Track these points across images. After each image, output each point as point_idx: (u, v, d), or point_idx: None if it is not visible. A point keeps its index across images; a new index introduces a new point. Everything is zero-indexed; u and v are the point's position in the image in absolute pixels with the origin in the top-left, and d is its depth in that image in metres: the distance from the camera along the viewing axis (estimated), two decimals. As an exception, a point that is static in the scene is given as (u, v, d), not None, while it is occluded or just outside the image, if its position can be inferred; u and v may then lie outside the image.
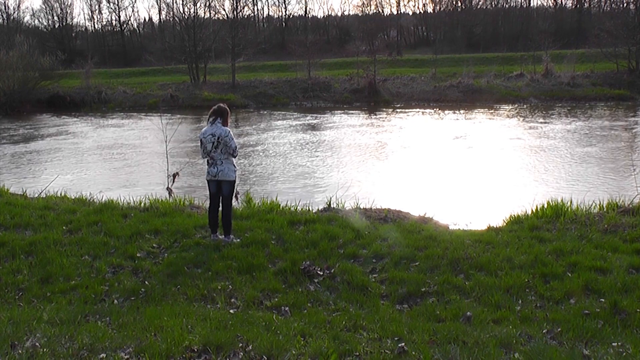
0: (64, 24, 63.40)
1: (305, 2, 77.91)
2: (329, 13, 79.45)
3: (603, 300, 4.92)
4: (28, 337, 4.00)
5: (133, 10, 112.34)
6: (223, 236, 6.72)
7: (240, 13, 46.29)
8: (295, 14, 67.56)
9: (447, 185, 12.20)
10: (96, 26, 65.28)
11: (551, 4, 60.27)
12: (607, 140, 18.12)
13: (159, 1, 68.64)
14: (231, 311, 4.90)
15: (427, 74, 36.68)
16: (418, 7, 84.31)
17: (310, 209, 8.23)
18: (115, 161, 17.22)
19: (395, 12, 62.86)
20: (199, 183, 12.46)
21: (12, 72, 33.29)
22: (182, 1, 45.69)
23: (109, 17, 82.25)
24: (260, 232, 6.89)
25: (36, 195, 9.53)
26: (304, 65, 37.42)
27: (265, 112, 30.89)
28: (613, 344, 4.05)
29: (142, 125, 26.45)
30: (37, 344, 3.86)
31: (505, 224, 7.54)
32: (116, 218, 7.61)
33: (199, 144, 6.75)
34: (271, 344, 3.89)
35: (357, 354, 3.83)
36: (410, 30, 63.76)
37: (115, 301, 5.20)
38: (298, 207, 8.29)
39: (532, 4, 61.95)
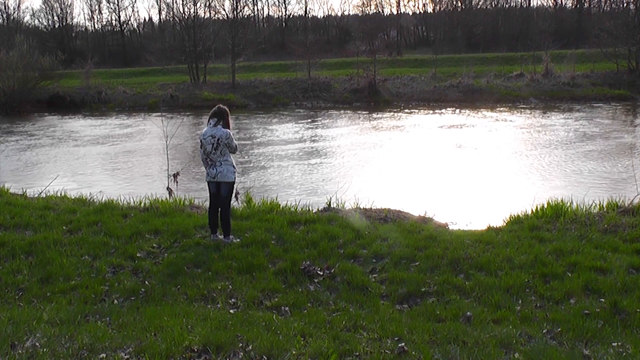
0: (64, 24, 63.33)
1: (305, 2, 77.94)
2: (329, 13, 79.54)
3: (603, 300, 4.92)
4: (28, 337, 4.00)
5: (133, 10, 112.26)
6: (223, 236, 6.73)
7: (240, 13, 46.27)
8: (295, 14, 67.58)
9: (447, 185, 12.20)
10: (96, 26, 65.33)
11: (551, 4, 60.31)
12: (607, 140, 18.12)
13: (159, 1, 68.50)
14: (231, 311, 4.90)
15: (427, 74, 36.68)
16: (418, 7, 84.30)
17: (310, 209, 8.22)
18: (115, 161, 17.22)
19: (395, 12, 62.91)
20: (199, 183, 12.46)
21: (12, 72, 33.26)
22: (182, 1, 45.74)
23: (109, 17, 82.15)
24: (260, 232, 6.89)
25: (36, 195, 9.52)
26: (304, 65, 37.41)
27: (265, 112, 30.89)
28: (613, 344, 4.05)
29: (142, 125, 26.45)
30: (37, 344, 3.86)
31: (505, 224, 7.54)
32: (116, 218, 7.60)
33: (199, 144, 6.77)
34: (271, 344, 3.89)
35: (357, 354, 3.84)
36: (410, 30, 63.71)
37: (115, 301, 5.20)
38: (298, 207, 8.29)
39: (532, 4, 62.02)
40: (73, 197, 9.24)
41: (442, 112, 27.89)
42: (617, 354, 3.85)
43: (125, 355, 3.77)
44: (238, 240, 6.70)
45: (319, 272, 5.73)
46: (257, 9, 65.92)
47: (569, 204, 7.93)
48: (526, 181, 12.64)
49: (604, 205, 8.03)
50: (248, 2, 57.83)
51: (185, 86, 37.08)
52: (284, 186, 12.75)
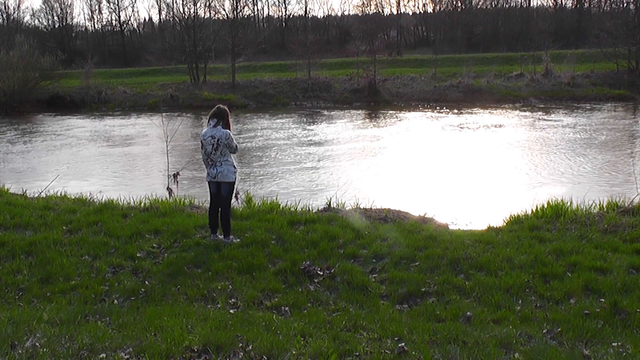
0: (64, 24, 63.27)
1: (305, 2, 77.97)
2: (329, 13, 79.58)
3: (603, 300, 4.92)
4: (28, 337, 4.00)
5: (133, 10, 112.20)
6: (223, 237, 6.73)
7: (240, 13, 46.29)
8: (295, 14, 67.55)
9: (447, 185, 12.20)
10: (96, 26, 65.28)
11: (551, 4, 60.31)
12: (607, 140, 18.12)
13: (159, 1, 68.48)
14: (231, 311, 4.90)
15: (427, 74, 36.69)
16: (418, 7, 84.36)
17: (310, 209, 8.22)
18: (115, 161, 17.22)
19: (395, 12, 62.84)
20: (199, 183, 12.45)
21: (12, 72, 33.25)
22: (182, 1, 45.72)
23: (109, 17, 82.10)
24: (260, 232, 6.89)
25: (36, 195, 9.52)
26: (304, 65, 37.41)
27: (265, 112, 30.89)
28: (613, 344, 4.05)
29: (142, 125, 26.45)
30: (37, 344, 3.86)
31: (505, 224, 7.54)
32: (116, 218, 7.60)
33: (200, 145, 6.77)
34: (271, 344, 3.89)
35: (357, 354, 3.84)
36: (410, 30, 63.69)
37: (115, 301, 5.20)
38: (298, 207, 8.29)
39: (532, 4, 61.99)
40: (73, 197, 9.24)
41: (442, 112, 27.89)
42: (617, 354, 3.85)
43: (125, 355, 3.77)
44: (238, 240, 6.70)
45: (319, 272, 5.73)
46: (257, 9, 66.02)
47: (569, 204, 7.93)
48: (526, 181, 12.64)
49: (604, 205, 8.03)
50: (248, 2, 57.86)
51: (185, 86, 37.08)
52: (284, 186, 12.75)
